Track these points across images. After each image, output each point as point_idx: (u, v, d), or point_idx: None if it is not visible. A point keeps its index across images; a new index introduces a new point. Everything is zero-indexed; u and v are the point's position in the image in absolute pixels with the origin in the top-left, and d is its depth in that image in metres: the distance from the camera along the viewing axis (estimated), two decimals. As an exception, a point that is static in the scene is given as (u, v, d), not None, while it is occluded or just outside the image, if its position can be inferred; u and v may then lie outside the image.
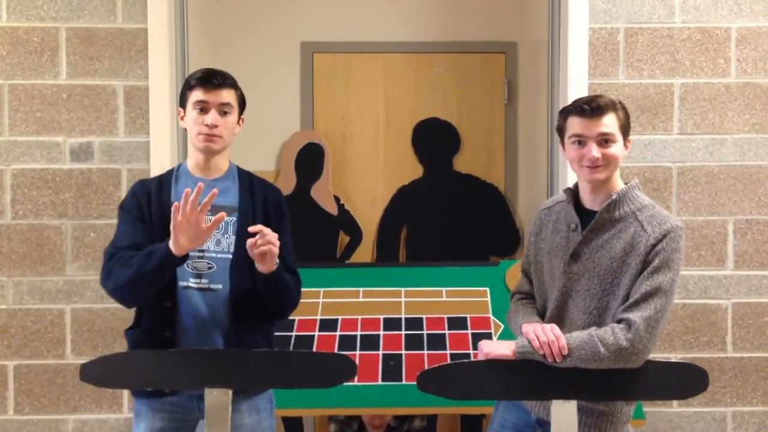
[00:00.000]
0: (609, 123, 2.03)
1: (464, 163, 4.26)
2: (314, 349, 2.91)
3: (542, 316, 2.18)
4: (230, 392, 1.95)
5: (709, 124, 3.18)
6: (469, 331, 3.00)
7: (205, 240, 2.01)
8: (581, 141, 2.04)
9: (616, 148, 2.05)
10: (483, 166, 4.24)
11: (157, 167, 3.07)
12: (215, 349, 2.08)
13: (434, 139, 4.25)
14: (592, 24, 3.16)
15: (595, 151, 2.02)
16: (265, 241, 2.01)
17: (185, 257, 2.00)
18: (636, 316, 1.96)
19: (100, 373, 1.99)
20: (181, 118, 2.21)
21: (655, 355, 3.16)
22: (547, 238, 2.18)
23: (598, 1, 3.16)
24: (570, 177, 3.14)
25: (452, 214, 4.10)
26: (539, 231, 2.23)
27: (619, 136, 2.05)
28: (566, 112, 2.09)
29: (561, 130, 2.12)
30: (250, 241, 2.01)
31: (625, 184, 2.12)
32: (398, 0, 4.25)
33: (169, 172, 2.25)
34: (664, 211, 2.09)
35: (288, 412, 2.74)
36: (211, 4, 4.10)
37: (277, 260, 2.08)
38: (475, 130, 4.26)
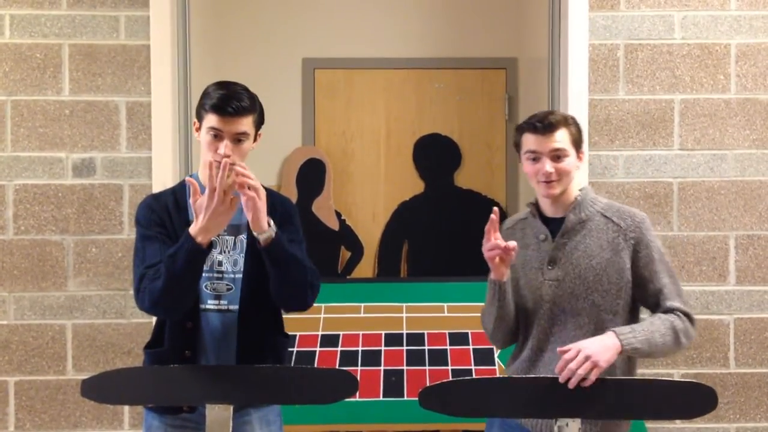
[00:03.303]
0: (561, 139, 2.10)
1: (465, 178, 4.27)
2: (315, 365, 2.90)
3: (517, 332, 2.20)
4: (231, 408, 1.94)
5: (710, 140, 3.19)
6: (471, 347, 3.00)
7: (229, 218, 1.96)
8: (536, 157, 2.11)
9: (569, 162, 2.11)
10: (484, 181, 4.25)
11: (159, 183, 3.08)
12: (217, 365, 2.07)
13: (435, 155, 4.27)
14: (592, 40, 3.17)
15: (548, 166, 2.09)
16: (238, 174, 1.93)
17: (210, 246, 1.96)
18: (687, 307, 2.10)
19: (102, 389, 1.97)
20: (196, 129, 2.13)
21: (657, 371, 3.16)
22: (517, 254, 2.18)
23: (598, 18, 3.18)
24: (571, 192, 3.14)
25: (453, 230, 4.11)
26: None
27: (571, 150, 2.12)
28: (521, 129, 2.16)
29: (517, 146, 2.19)
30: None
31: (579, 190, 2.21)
32: (399, 17, 4.27)
33: (182, 186, 2.18)
34: (623, 205, 2.21)
35: (288, 429, 2.73)
36: (213, 21, 4.12)
37: (271, 222, 2.00)
38: (476, 146, 4.28)
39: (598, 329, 2.08)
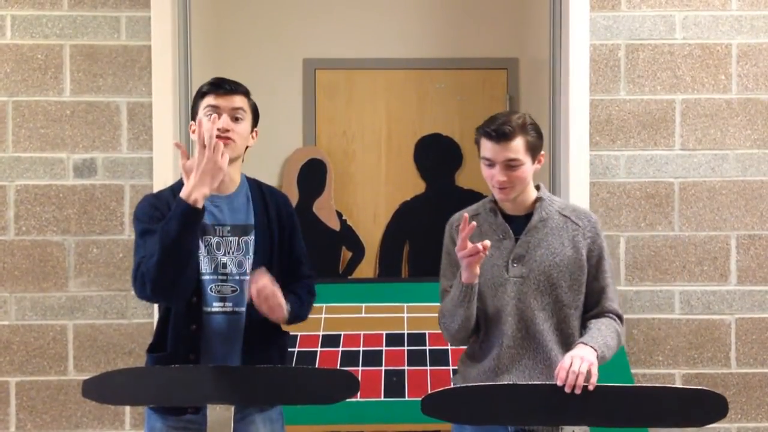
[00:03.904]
0: (515, 148, 2.11)
1: (466, 178, 4.27)
2: (316, 365, 2.90)
3: (476, 329, 2.19)
4: (232, 409, 1.94)
5: (711, 140, 3.19)
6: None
7: (222, 173, 1.95)
8: (490, 164, 2.14)
9: (523, 171, 2.13)
10: (485, 181, 4.24)
11: (160, 183, 3.08)
12: (218, 366, 2.06)
13: (436, 155, 4.26)
14: (593, 40, 3.17)
15: (500, 175, 2.12)
16: (265, 296, 2.01)
17: (203, 210, 1.94)
18: (620, 309, 2.21)
19: (103, 390, 1.97)
20: (193, 132, 2.09)
21: (658, 371, 3.16)
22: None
23: (599, 18, 3.17)
24: (572, 193, 3.14)
25: (454, 230, 4.11)
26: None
27: (526, 158, 2.13)
28: (479, 132, 2.17)
29: (478, 146, 2.20)
30: (254, 298, 2.02)
31: (536, 188, 2.25)
32: (400, 17, 4.27)
33: (180, 184, 2.13)
34: (576, 205, 2.31)
35: (290, 429, 2.73)
36: (214, 22, 4.13)
37: (286, 306, 2.06)
38: (476, 146, 4.27)
39: (561, 323, 2.15)
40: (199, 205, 1.92)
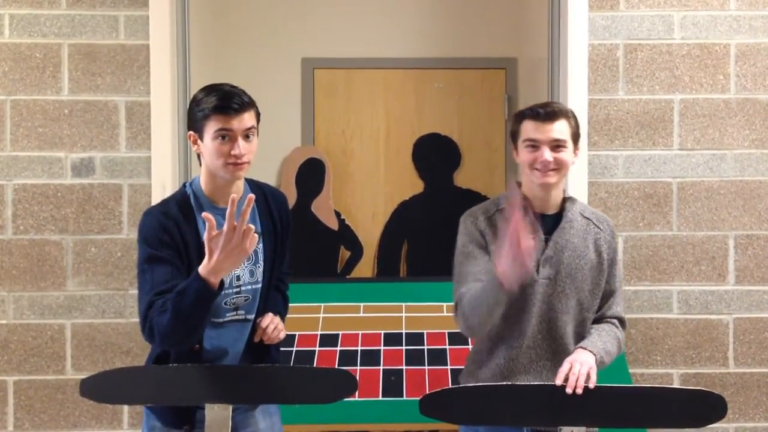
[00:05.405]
0: (561, 129, 2.10)
1: (465, 178, 4.27)
2: (314, 365, 2.90)
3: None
4: (230, 408, 1.94)
5: (709, 140, 3.19)
6: (470, 346, 2.99)
7: (245, 257, 1.86)
8: (534, 145, 2.10)
9: (567, 154, 2.10)
10: (483, 181, 4.25)
11: (159, 183, 3.08)
12: (216, 365, 2.06)
13: (435, 155, 4.26)
14: (591, 40, 3.17)
15: (547, 154, 2.07)
16: (276, 334, 2.09)
17: (221, 286, 1.85)
18: (624, 313, 2.24)
19: (100, 389, 1.97)
20: (194, 142, 2.00)
21: (656, 371, 3.16)
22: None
23: (597, 18, 3.18)
24: (570, 193, 3.14)
25: (453, 229, 4.10)
26: (490, 239, 2.16)
27: (570, 143, 2.12)
28: (521, 116, 2.14)
29: (515, 134, 2.17)
30: (259, 335, 2.09)
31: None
32: (399, 16, 4.27)
33: (185, 197, 2.05)
34: (593, 208, 2.30)
35: (288, 429, 2.73)
36: (213, 21, 4.12)
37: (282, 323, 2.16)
38: (475, 146, 4.28)
39: (579, 326, 2.15)
40: (216, 287, 1.84)
